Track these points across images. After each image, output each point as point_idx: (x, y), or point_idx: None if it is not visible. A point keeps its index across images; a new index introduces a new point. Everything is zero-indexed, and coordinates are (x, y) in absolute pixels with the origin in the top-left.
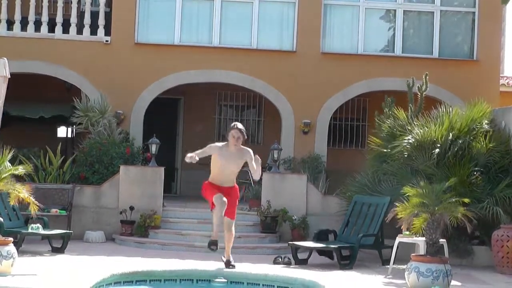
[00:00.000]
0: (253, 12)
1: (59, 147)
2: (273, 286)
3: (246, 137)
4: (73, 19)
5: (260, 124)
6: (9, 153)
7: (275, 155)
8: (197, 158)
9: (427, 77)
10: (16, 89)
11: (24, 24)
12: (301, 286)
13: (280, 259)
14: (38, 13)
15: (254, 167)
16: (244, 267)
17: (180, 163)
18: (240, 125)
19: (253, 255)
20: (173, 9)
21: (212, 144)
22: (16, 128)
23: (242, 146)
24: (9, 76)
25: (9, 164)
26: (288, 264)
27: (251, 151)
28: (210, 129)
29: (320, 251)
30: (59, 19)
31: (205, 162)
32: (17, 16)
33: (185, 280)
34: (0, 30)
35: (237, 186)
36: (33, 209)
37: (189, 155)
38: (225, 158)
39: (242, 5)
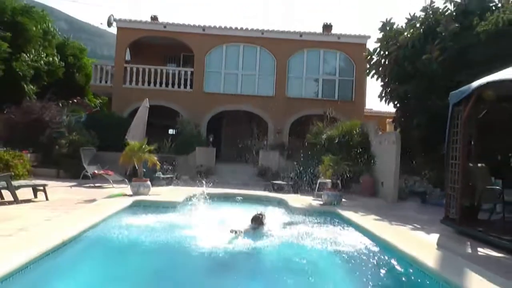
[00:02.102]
0: (256, 78)
1: (169, 139)
2: (263, 200)
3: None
4: (176, 80)
5: (258, 129)
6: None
7: (265, 142)
8: None
9: (332, 108)
10: (151, 113)
11: (154, 83)
12: (275, 200)
13: (266, 189)
14: (160, 77)
15: None
16: (250, 192)
17: (223, 146)
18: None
19: (255, 187)
20: (221, 77)
21: None
22: (151, 131)
23: None
24: (148, 107)
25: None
26: (270, 191)
27: None
28: (237, 132)
29: (285, 185)
30: (169, 80)
31: (233, 145)
32: (151, 80)
33: (223, 197)
34: (144, 86)
35: None
36: (158, 166)
37: None
38: None
39: (251, 76)
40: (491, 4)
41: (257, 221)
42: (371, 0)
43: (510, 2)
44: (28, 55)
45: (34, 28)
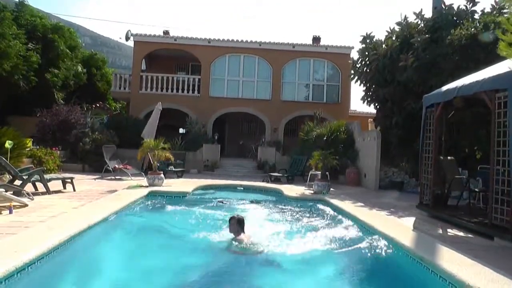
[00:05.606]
0: (254, 84)
1: (180, 137)
2: (262, 190)
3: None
4: (185, 86)
5: (257, 128)
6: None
7: (263, 140)
8: None
9: (321, 110)
10: (164, 115)
11: (166, 89)
12: (272, 190)
13: (264, 180)
14: (172, 84)
15: None
16: (250, 183)
17: (226, 143)
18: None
19: (254, 179)
20: (224, 83)
21: None
22: (163, 130)
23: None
24: (161, 109)
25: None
26: (268, 182)
27: None
28: (238, 131)
29: (281, 177)
30: (180, 86)
31: (235, 142)
32: (164, 86)
33: (227, 188)
34: (158, 92)
35: None
36: (172, 159)
37: None
38: None
39: (250, 82)
40: (455, 18)
41: (235, 226)
42: (356, 12)
43: (470, 20)
44: (58, 67)
45: (63, 44)
